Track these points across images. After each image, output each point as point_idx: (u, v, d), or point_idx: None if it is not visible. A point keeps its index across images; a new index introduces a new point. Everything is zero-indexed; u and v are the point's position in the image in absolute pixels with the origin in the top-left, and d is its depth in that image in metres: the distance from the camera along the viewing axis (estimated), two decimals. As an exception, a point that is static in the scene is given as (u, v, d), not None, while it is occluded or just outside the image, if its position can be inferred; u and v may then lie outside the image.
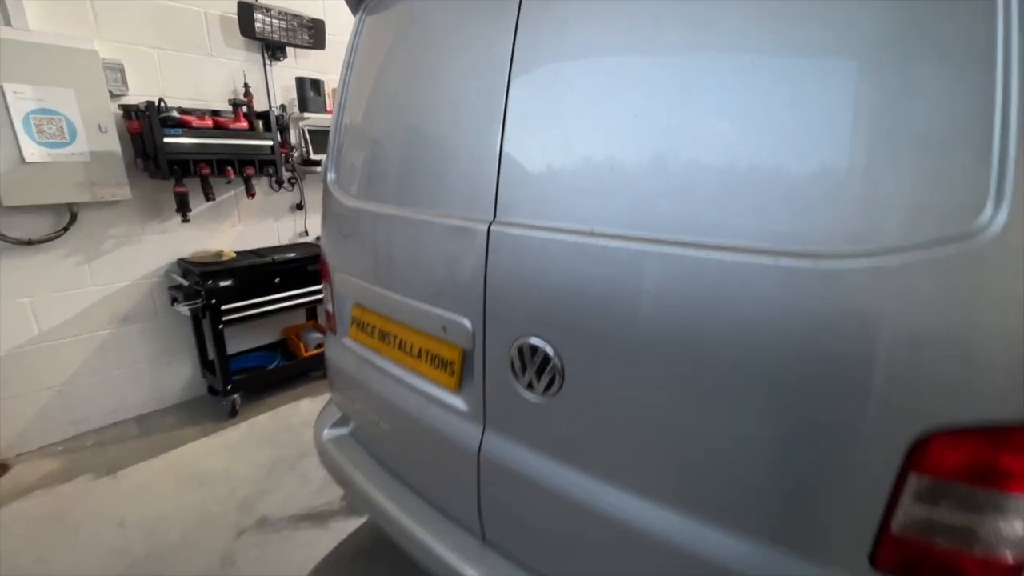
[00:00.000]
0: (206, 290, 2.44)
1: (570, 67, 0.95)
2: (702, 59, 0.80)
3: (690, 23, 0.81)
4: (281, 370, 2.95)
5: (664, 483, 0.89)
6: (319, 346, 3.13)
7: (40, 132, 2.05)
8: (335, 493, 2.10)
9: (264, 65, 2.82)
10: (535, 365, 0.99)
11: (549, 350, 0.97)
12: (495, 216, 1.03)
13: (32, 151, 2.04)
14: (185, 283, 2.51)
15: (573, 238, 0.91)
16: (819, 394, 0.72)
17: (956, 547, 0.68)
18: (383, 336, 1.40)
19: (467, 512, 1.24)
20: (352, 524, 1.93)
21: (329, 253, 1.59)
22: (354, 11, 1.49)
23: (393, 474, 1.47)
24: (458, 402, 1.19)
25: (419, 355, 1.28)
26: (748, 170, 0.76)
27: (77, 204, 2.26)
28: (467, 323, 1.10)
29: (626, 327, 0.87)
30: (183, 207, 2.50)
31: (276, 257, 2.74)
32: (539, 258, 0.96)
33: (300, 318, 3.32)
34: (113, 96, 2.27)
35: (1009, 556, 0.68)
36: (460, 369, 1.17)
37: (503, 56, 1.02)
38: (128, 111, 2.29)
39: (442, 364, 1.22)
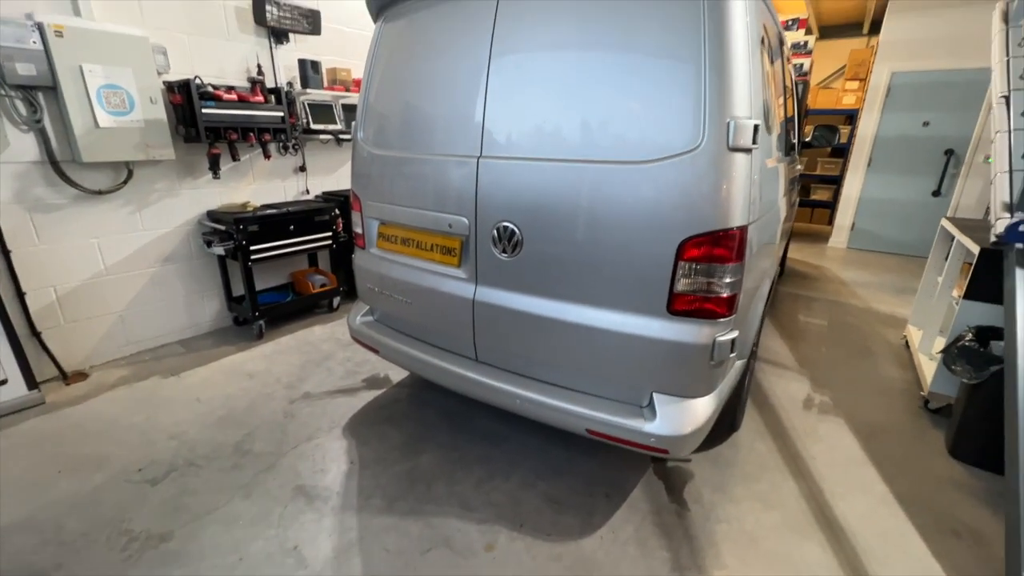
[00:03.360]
0: (238, 233, 3.04)
1: (525, 60, 1.67)
2: (592, 65, 1.56)
3: (586, 51, 1.56)
4: (295, 303, 3.59)
5: (579, 293, 1.67)
6: (323, 286, 3.78)
7: (108, 103, 2.59)
8: (357, 379, 2.82)
9: (271, 48, 3.37)
10: (506, 238, 1.75)
11: (514, 227, 1.73)
12: (481, 152, 1.77)
13: (104, 118, 2.57)
14: (221, 228, 3.10)
15: (526, 162, 1.67)
16: (647, 227, 1.51)
17: (704, 294, 1.51)
18: (404, 241, 2.12)
19: (465, 345, 2.00)
20: (374, 394, 2.67)
21: (359, 189, 2.26)
22: (375, 20, 2.15)
23: (411, 336, 2.21)
24: (459, 273, 1.94)
25: (431, 248, 2.02)
26: (615, 125, 1.54)
27: (133, 162, 2.81)
28: (465, 220, 1.84)
29: (556, 209, 1.64)
30: (215, 166, 3.08)
31: (291, 208, 3.35)
32: (508, 175, 1.72)
33: (303, 264, 3.95)
34: (158, 74, 2.80)
35: (725, 293, 1.51)
36: (460, 252, 1.92)
37: (484, 52, 1.73)
38: (171, 86, 2.83)
39: (447, 251, 1.96)
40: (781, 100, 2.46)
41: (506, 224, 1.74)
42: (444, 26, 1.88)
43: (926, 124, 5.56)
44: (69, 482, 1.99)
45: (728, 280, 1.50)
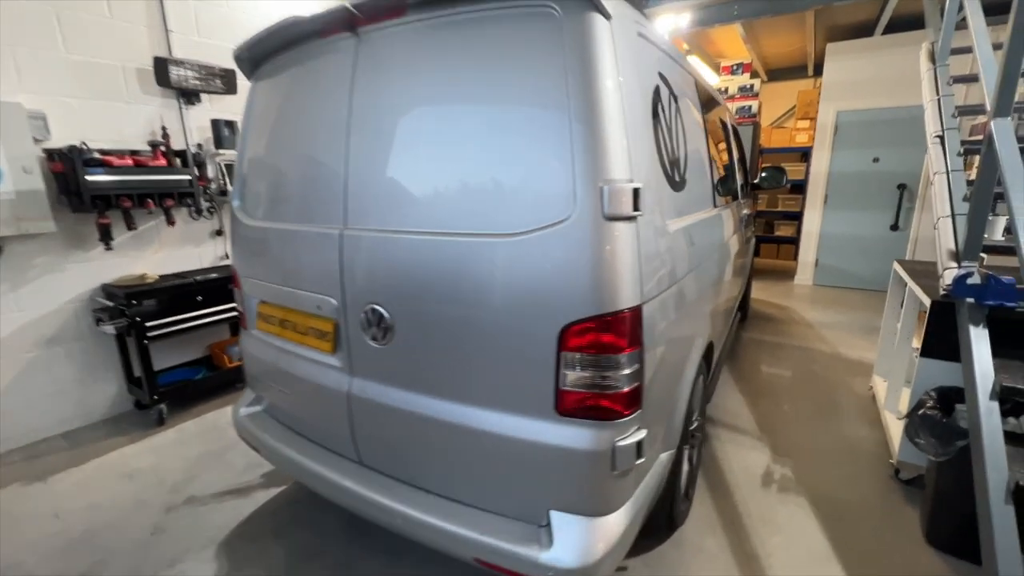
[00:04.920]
0: (131, 310, 2.72)
1: (387, 116, 1.44)
2: (458, 126, 1.34)
3: (450, 113, 1.35)
4: (206, 380, 3.23)
5: (457, 389, 1.39)
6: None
7: (-32, 175, 2.32)
8: (257, 472, 2.45)
9: (180, 109, 3.17)
10: (376, 322, 1.48)
11: (383, 311, 1.46)
12: (345, 224, 1.52)
13: (-40, 192, 2.30)
14: (111, 305, 2.78)
15: (391, 235, 1.42)
16: (524, 313, 1.25)
17: (597, 390, 1.23)
18: (281, 323, 1.83)
19: (345, 443, 1.68)
20: (271, 493, 2.29)
21: (238, 264, 2.00)
22: (248, 79, 1.95)
23: (295, 431, 1.89)
24: (334, 360, 1.64)
25: (306, 332, 1.73)
26: (484, 192, 1.30)
27: (3, 238, 2.51)
28: (333, 300, 1.57)
29: (424, 290, 1.38)
30: (106, 236, 2.79)
31: (198, 278, 3.05)
32: (373, 249, 1.46)
33: (225, 334, 3.61)
34: (36, 141, 2.56)
35: (624, 388, 1.23)
36: (334, 337, 1.63)
37: (343, 109, 1.51)
38: (51, 154, 2.58)
39: (321, 335, 1.67)
40: (715, 147, 2.30)
41: (374, 307, 1.47)
42: (306, 81, 1.67)
43: (876, 160, 5.57)
44: None
45: (625, 372, 1.24)
